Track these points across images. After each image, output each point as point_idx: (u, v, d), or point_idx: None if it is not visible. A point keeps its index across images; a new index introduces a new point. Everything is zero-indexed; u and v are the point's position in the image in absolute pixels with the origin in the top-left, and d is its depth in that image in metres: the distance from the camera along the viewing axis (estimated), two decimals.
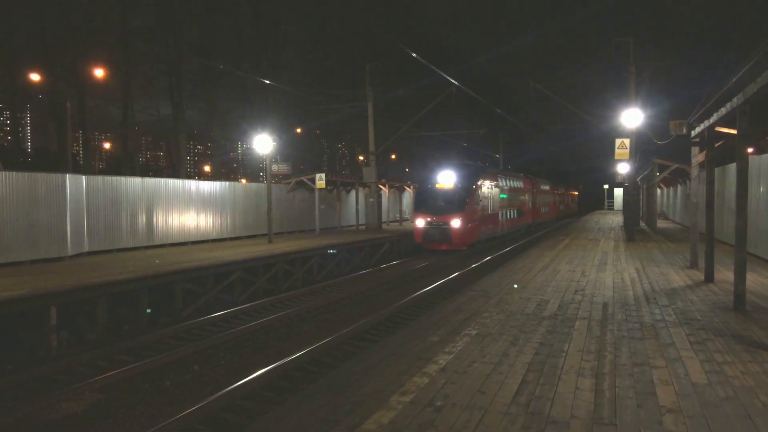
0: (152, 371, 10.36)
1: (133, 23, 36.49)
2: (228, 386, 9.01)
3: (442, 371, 6.69)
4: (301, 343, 12.18)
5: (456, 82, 31.15)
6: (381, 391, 6.01)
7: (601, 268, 16.07)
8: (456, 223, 27.90)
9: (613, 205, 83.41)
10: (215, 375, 10.30)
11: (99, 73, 33.29)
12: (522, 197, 42.33)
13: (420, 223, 28.83)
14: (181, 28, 36.15)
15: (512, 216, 38.31)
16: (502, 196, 35.01)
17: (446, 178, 29.47)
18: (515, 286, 13.15)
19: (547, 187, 57.68)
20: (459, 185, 29.11)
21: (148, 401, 8.96)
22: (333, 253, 22.95)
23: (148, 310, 14.47)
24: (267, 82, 34.25)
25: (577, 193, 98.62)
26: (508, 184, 37.77)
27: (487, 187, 31.55)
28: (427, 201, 29.07)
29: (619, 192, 71.62)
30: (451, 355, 7.33)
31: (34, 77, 34.94)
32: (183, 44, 36.06)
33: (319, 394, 6.02)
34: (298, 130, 52.47)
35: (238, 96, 41.24)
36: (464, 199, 28.54)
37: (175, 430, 7.57)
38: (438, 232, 28.20)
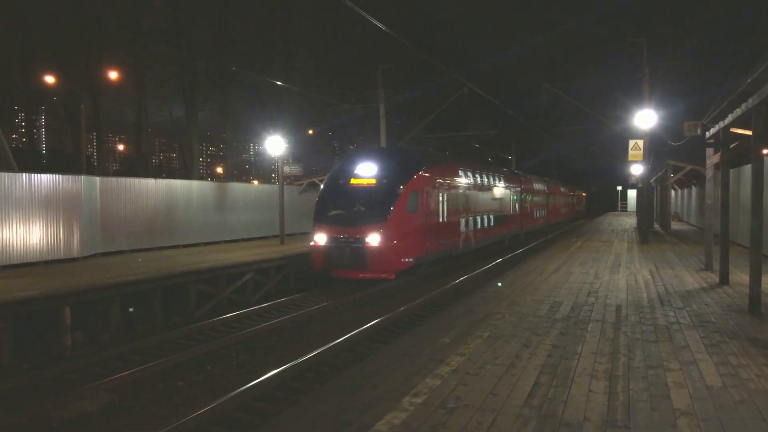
0: (165, 371, 10.41)
1: (146, 25, 36.74)
2: (241, 387, 9.04)
3: (454, 373, 6.68)
4: (313, 343, 12.20)
5: (468, 83, 31.10)
6: (393, 392, 6.00)
7: (614, 270, 15.98)
8: (375, 238, 17.91)
9: (626, 207, 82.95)
10: (228, 375, 10.33)
11: (113, 75, 33.57)
12: (502, 198, 32.45)
13: (321, 239, 18.60)
14: (194, 30, 36.35)
15: (485, 224, 28.27)
16: (466, 196, 25.24)
17: (367, 170, 19.53)
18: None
19: (542, 187, 47.49)
20: (387, 180, 19.15)
21: (161, 401, 9.01)
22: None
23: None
24: (279, 83, 34.34)
25: (584, 194, 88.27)
26: (478, 181, 27.72)
27: (438, 183, 21.65)
28: (335, 205, 19.29)
29: (632, 193, 71.22)
30: (463, 357, 7.32)
31: (49, 80, 35.28)
32: (196, 46, 36.26)
33: (331, 395, 6.02)
34: (310, 132, 52.57)
35: (251, 97, 41.39)
36: (390, 201, 18.59)
37: (189, 430, 7.60)
38: (347, 253, 18.20)
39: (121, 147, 74.49)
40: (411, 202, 19.27)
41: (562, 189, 59.24)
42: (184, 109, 37.24)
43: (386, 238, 18.04)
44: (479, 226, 27.08)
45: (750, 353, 7.44)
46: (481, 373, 6.66)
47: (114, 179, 21.12)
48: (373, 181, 19.19)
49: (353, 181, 19.40)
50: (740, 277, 13.93)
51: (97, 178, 19.89)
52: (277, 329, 13.59)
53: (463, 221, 24.48)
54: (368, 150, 23.77)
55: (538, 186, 44.95)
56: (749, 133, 11.77)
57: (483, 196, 28.31)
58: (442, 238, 21.68)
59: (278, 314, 15.24)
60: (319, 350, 11.04)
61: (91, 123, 37.31)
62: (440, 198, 21.69)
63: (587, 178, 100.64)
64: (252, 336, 12.83)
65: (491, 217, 29.37)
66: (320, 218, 19.09)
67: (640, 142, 24.95)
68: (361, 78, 44.57)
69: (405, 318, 14.60)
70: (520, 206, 37.10)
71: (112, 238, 19.83)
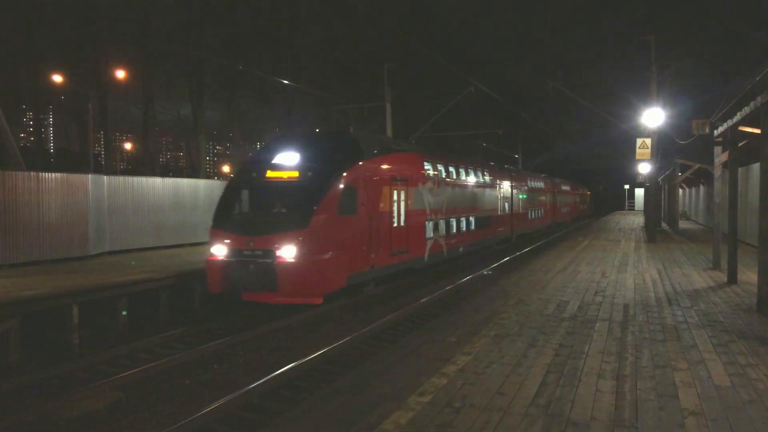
0: (172, 370, 10.44)
1: (153, 24, 36.83)
2: (247, 385, 9.05)
3: (460, 372, 6.67)
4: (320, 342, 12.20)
5: (475, 82, 31.04)
6: (399, 391, 6.00)
7: (621, 269, 15.92)
8: (290, 250, 13.44)
9: (633, 206, 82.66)
10: (234, 374, 10.35)
11: (120, 74, 33.67)
12: (486, 197, 28.14)
13: (219, 251, 14.13)
14: (202, 29, 36.42)
15: (463, 228, 24.19)
16: (436, 194, 21.06)
17: (288, 160, 15.17)
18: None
19: (539, 184, 43.15)
20: (313, 173, 14.67)
21: (168, 399, 9.03)
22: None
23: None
24: (286, 82, 34.37)
25: (589, 192, 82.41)
26: (454, 176, 23.50)
27: (391, 178, 17.33)
28: (241, 205, 15.40)
29: (639, 192, 70.90)
30: (470, 356, 7.30)
31: (57, 78, 35.42)
32: (203, 45, 36.33)
33: (338, 394, 6.02)
34: (318, 131, 52.59)
35: (258, 96, 41.46)
36: (315, 200, 14.09)
37: (195, 429, 7.62)
38: (251, 271, 13.65)
39: (128, 146, 74.69)
40: (346, 202, 14.69)
41: (563, 187, 54.80)
42: (191, 108, 37.33)
43: (306, 250, 13.41)
44: (454, 230, 22.96)
45: (759, 353, 7.39)
46: (488, 372, 6.64)
47: (121, 178, 21.18)
48: (295, 174, 14.56)
49: (269, 174, 14.88)
50: (748, 276, 13.85)
51: (105, 176, 19.97)
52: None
53: (430, 224, 20.31)
54: (293, 135, 18.81)
55: (533, 184, 40.66)
56: (758, 131, 11.70)
57: (460, 194, 24.17)
58: (398, 246, 17.45)
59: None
60: (326, 349, 11.04)
61: (99, 122, 37.43)
62: (396, 196, 17.37)
63: (594, 176, 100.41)
64: (257, 335, 12.84)
65: (471, 219, 25.31)
66: (220, 223, 14.50)
67: (648, 141, 24.85)
68: (369, 77, 44.56)
69: (409, 317, 14.58)
70: (512, 206, 33.16)
71: (118, 237, 19.89)
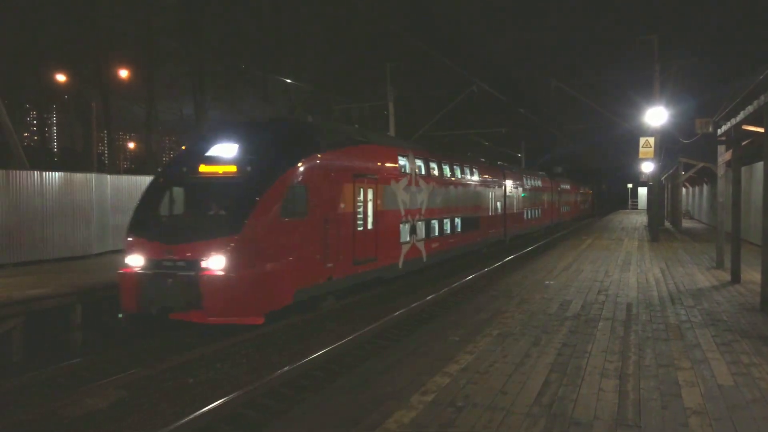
0: (175, 369, 10.44)
1: (156, 23, 36.89)
2: (250, 384, 9.06)
3: (463, 371, 6.66)
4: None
5: (477, 81, 31.03)
6: (402, 390, 6.00)
7: (624, 268, 15.90)
8: (218, 261, 11.17)
9: (637, 205, 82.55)
10: (238, 373, 10.35)
11: (123, 73, 33.73)
12: (475, 196, 25.82)
13: (135, 261, 11.80)
14: (204, 29, 36.48)
15: (446, 230, 22.01)
16: (413, 193, 18.72)
17: (224, 152, 12.75)
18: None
19: (536, 183, 40.24)
20: (253, 168, 12.27)
21: (171, 398, 9.04)
22: None
23: None
24: (289, 81, 34.38)
25: (590, 191, 80.00)
26: (435, 172, 21.10)
27: (353, 174, 15.01)
28: (162, 207, 12.87)
29: (643, 191, 70.86)
30: (473, 355, 7.30)
31: (60, 78, 35.49)
32: (206, 44, 36.38)
33: (340, 393, 6.02)
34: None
35: (260, 95, 41.51)
36: (251, 199, 11.78)
37: (198, 427, 7.63)
38: (170, 286, 11.29)
39: (131, 145, 74.84)
40: (293, 202, 12.38)
41: (562, 186, 52.41)
42: (194, 108, 37.38)
43: (239, 260, 11.08)
44: (436, 232, 20.84)
45: (762, 352, 7.38)
46: (491, 372, 6.64)
47: (125, 177, 21.20)
48: (232, 169, 12.18)
49: (203, 168, 12.46)
50: (752, 275, 13.82)
51: (108, 176, 20.00)
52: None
53: (406, 227, 18.13)
54: (235, 123, 16.80)
55: (530, 182, 38.01)
56: (761, 129, 11.68)
57: (443, 192, 21.72)
58: (363, 253, 15.20)
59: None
60: (330, 347, 11.05)
61: (102, 121, 37.50)
62: (362, 195, 15.25)
63: (597, 175, 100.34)
64: (261, 334, 12.86)
65: (457, 220, 23.13)
66: (137, 229, 12.11)
67: (651, 140, 24.82)
68: (371, 76, 44.54)
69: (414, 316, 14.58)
70: (505, 206, 30.80)
71: (122, 235, 19.90)
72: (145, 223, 12.21)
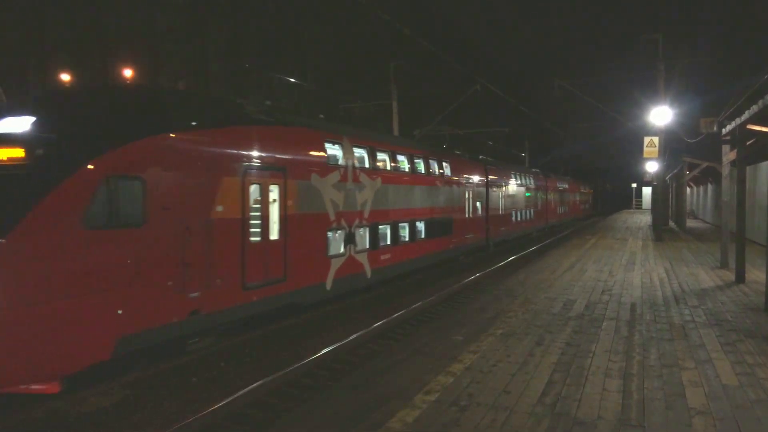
0: (179, 368, 10.47)
1: (161, 24, 37.00)
2: (254, 383, 9.07)
3: (466, 370, 6.66)
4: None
5: (481, 80, 31.01)
6: (405, 390, 6.00)
7: (628, 268, 15.88)
8: None
9: (641, 204, 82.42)
10: (241, 372, 10.37)
11: (128, 73, 33.80)
12: (433, 194, 20.75)
13: None
14: (209, 29, 36.56)
15: (402, 238, 18.16)
16: (349, 191, 15.07)
17: (13, 129, 8.54)
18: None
19: (528, 181, 36.56)
20: (45, 152, 8.15)
21: (175, 397, 9.06)
22: None
23: None
24: (293, 80, 34.43)
25: (590, 190, 75.29)
26: (388, 165, 17.58)
27: (223, 162, 10.69)
28: None
29: (647, 191, 70.73)
30: (476, 355, 7.30)
31: (65, 77, 35.59)
32: (210, 44, 36.47)
33: (344, 392, 6.03)
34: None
35: (264, 95, 41.61)
36: (30, 198, 7.78)
37: (202, 426, 7.65)
38: None
39: None
40: (114, 202, 8.55)
41: (559, 184, 48.93)
42: None
43: (1, 292, 7.34)
44: (387, 240, 17.10)
45: (766, 352, 7.36)
46: (494, 371, 6.64)
47: None
48: (18, 154, 8.16)
49: None
50: (756, 275, 13.79)
51: None
52: None
53: (338, 235, 14.58)
54: (47, 90, 11.90)
55: (520, 180, 34.46)
56: (766, 129, 11.67)
57: (399, 191, 17.86)
58: (261, 273, 11.43)
59: None
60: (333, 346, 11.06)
61: None
62: (259, 193, 11.58)
63: (602, 175, 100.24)
64: (264, 334, 12.87)
65: (420, 224, 19.38)
66: None
67: (656, 139, 24.77)
68: (375, 75, 44.59)
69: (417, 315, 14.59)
70: (487, 206, 27.13)
71: None
72: None
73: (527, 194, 36.01)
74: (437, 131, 38.25)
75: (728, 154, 15.19)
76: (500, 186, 29.72)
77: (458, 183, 23.33)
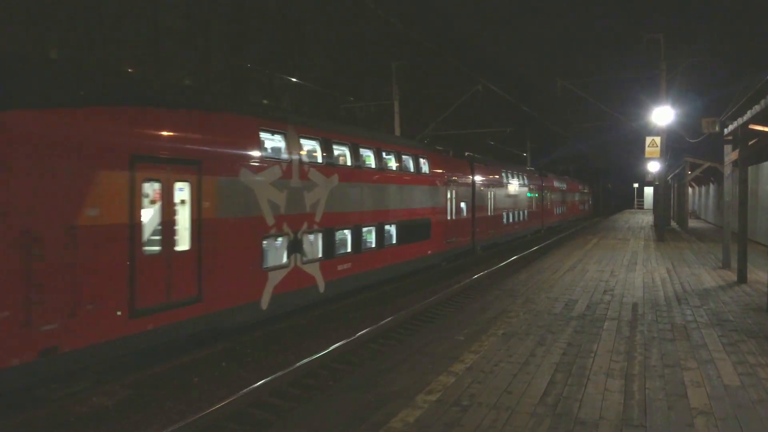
0: (180, 368, 10.48)
1: (162, 23, 37.01)
2: (256, 383, 9.08)
3: (468, 370, 6.66)
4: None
5: (482, 80, 30.99)
6: (407, 390, 6.00)
7: (630, 268, 15.86)
8: None
9: (642, 204, 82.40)
10: (243, 371, 10.38)
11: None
12: (405, 194, 18.36)
13: None
14: (210, 29, 36.59)
15: (354, 246, 15.35)
16: (269, 189, 11.89)
17: None
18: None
19: (520, 180, 34.19)
20: None
21: (176, 397, 9.06)
22: None
23: None
24: (294, 80, 34.43)
25: (589, 190, 72.61)
26: (319, 159, 13.92)
27: (93, 152, 8.23)
28: None
29: (649, 191, 70.66)
30: (478, 355, 7.30)
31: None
32: (211, 44, 36.50)
33: (346, 392, 6.03)
34: None
35: (266, 95, 41.61)
36: None
37: (204, 426, 7.65)
38: None
39: None
40: None
41: (555, 184, 46.15)
42: None
43: None
44: (347, 248, 14.93)
45: None
46: (496, 371, 6.63)
47: None
48: None
49: None
50: (758, 275, 13.78)
51: None
52: None
53: (278, 244, 12.33)
54: None
55: (511, 178, 32.10)
56: None
57: (363, 189, 15.58)
58: (161, 294, 9.30)
59: None
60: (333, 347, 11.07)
61: None
62: (156, 193, 9.62)
63: (603, 174, 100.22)
64: (265, 334, 12.88)
65: (389, 228, 17.09)
66: None
67: (657, 139, 24.75)
68: (377, 75, 44.60)
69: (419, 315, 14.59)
70: (473, 208, 25.00)
71: None
72: None
73: (520, 194, 34.18)
74: (438, 132, 38.22)
75: (730, 154, 15.17)
76: (489, 185, 27.78)
77: (438, 181, 21.15)
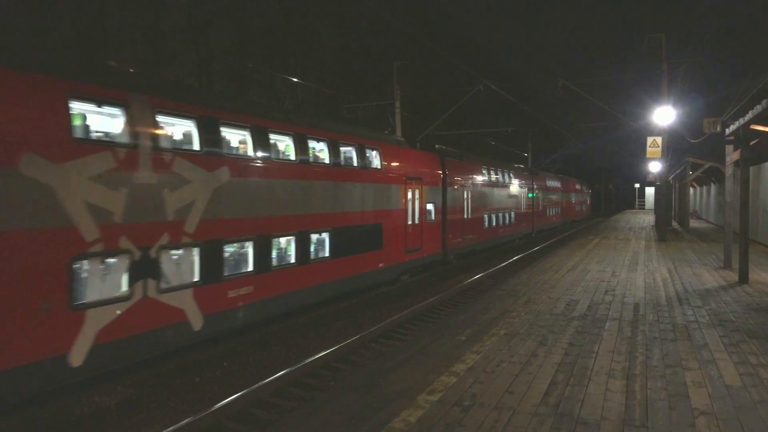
0: (182, 368, 10.49)
1: (164, 23, 37.02)
2: (257, 383, 9.09)
3: (470, 371, 6.67)
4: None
5: (484, 80, 30.97)
6: (409, 390, 6.01)
7: (632, 268, 15.86)
8: None
9: (644, 205, 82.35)
10: (244, 371, 10.39)
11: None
12: (354, 194, 15.31)
13: None
14: (212, 28, 36.60)
15: (278, 259, 12.25)
16: (128, 188, 8.63)
17: None
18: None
19: (510, 179, 31.68)
20: None
21: (178, 396, 9.08)
22: None
23: None
24: (295, 80, 34.44)
25: (587, 190, 69.74)
26: (220, 146, 10.56)
27: None
28: None
29: (650, 191, 70.61)
30: (480, 355, 7.30)
31: None
32: (213, 44, 36.51)
33: (347, 392, 6.04)
34: None
35: (267, 95, 41.62)
36: None
37: (205, 426, 7.66)
38: None
39: None
40: None
41: (549, 183, 43.20)
42: None
43: None
44: (246, 266, 11.36)
45: None
46: (497, 371, 6.64)
47: None
48: None
49: None
50: (760, 275, 13.77)
51: None
52: None
53: (102, 267, 8.45)
54: None
55: (496, 177, 29.19)
56: None
57: (271, 189, 11.98)
58: None
59: None
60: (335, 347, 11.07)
61: None
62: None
63: (604, 174, 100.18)
64: (266, 334, 12.88)
65: (317, 238, 13.76)
66: None
67: (659, 139, 24.73)
68: (378, 75, 44.60)
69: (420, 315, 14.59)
70: (444, 209, 21.58)
71: None
72: None
73: (506, 194, 30.80)
74: (439, 132, 38.16)
75: (732, 155, 15.16)
76: (465, 184, 24.15)
77: (394, 178, 17.48)
